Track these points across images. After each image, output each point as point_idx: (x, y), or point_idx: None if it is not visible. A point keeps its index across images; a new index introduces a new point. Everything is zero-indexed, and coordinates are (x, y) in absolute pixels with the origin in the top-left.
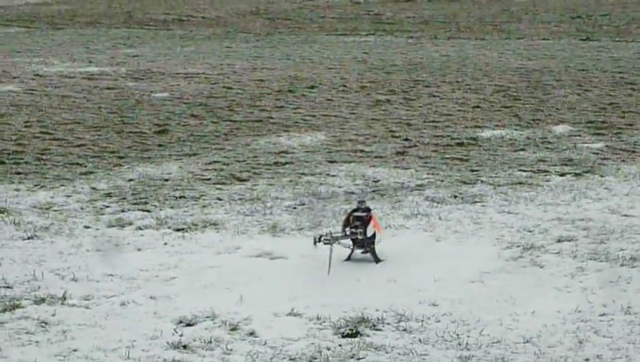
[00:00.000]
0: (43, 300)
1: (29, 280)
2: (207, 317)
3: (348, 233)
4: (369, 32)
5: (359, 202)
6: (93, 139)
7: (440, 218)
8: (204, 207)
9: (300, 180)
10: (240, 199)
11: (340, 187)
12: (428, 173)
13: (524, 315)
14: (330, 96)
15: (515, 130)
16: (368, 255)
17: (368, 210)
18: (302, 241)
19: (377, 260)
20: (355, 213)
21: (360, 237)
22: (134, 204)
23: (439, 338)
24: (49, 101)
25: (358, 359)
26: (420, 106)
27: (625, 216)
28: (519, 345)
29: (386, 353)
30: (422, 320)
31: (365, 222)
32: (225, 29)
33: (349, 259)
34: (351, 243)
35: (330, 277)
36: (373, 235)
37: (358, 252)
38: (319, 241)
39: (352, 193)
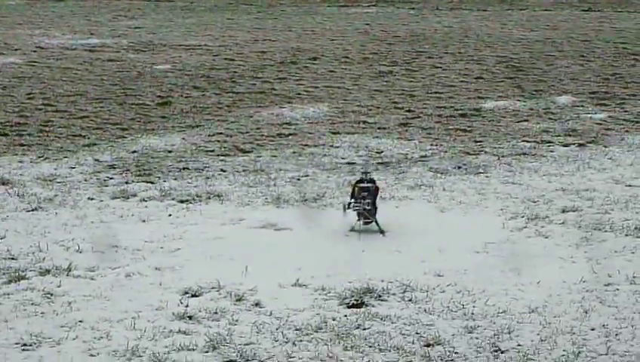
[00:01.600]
0: (48, 271)
1: (34, 251)
2: (213, 288)
3: (360, 203)
4: (371, 3)
5: (363, 173)
6: (95, 111)
7: (444, 189)
8: (207, 178)
9: (303, 151)
10: (244, 170)
11: (343, 158)
12: (431, 144)
13: (529, 285)
14: (333, 67)
15: (518, 100)
16: (371, 226)
17: (373, 181)
18: (306, 212)
19: (382, 231)
20: (361, 185)
21: (368, 207)
22: (138, 175)
23: (444, 309)
24: (51, 73)
25: (364, 329)
26: (423, 77)
27: (629, 186)
28: (525, 314)
29: (392, 323)
30: (427, 291)
31: (372, 192)
32: (226, 0)
33: (352, 229)
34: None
35: (335, 248)
36: (375, 206)
37: (359, 223)
38: (348, 208)
39: (356, 164)
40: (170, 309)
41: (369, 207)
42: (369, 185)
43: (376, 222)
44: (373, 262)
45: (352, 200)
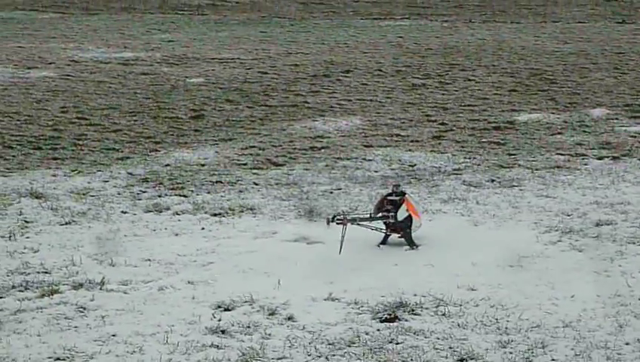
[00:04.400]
0: (81, 285)
1: (67, 265)
2: (246, 301)
3: (378, 216)
4: (404, 16)
5: (394, 186)
6: (129, 125)
7: (477, 202)
8: (240, 191)
9: (336, 165)
10: (276, 184)
11: (376, 171)
12: (465, 157)
13: (563, 299)
14: (366, 80)
15: (552, 113)
16: (403, 239)
17: (403, 194)
18: (338, 226)
19: (412, 245)
20: (390, 197)
21: (392, 221)
22: (171, 189)
23: (478, 323)
24: (85, 87)
25: (397, 343)
26: (456, 90)
27: None
28: (559, 329)
29: (425, 337)
30: (460, 305)
31: (397, 206)
32: (259, 13)
33: (384, 243)
34: (377, 225)
35: (368, 261)
36: (409, 220)
37: (395, 236)
38: (332, 221)
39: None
40: (203, 323)
41: (393, 221)
42: (397, 198)
43: (408, 235)
44: (407, 275)
45: (340, 214)
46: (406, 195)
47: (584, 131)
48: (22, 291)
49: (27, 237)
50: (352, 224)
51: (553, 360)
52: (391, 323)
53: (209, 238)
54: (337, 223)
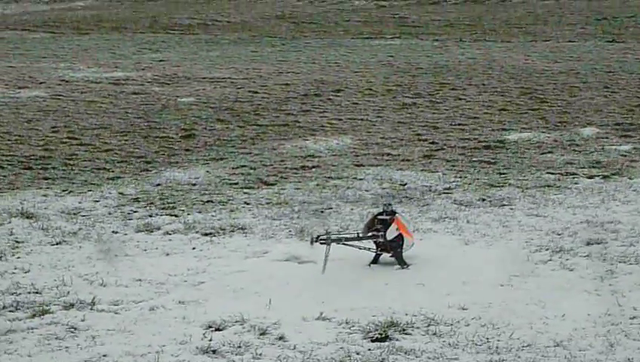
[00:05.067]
0: (72, 305)
1: (58, 285)
2: (237, 321)
3: (368, 235)
4: (394, 35)
5: (385, 205)
6: (120, 144)
7: (468, 221)
8: (231, 211)
9: (327, 184)
10: (267, 203)
11: (367, 190)
12: (455, 176)
13: (554, 318)
14: (356, 99)
15: (543, 132)
16: (394, 259)
17: (393, 213)
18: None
19: (403, 265)
20: (380, 216)
21: (381, 240)
22: (162, 208)
23: (469, 342)
24: (75, 106)
25: None
26: (447, 109)
27: None
28: (550, 348)
29: (416, 357)
30: (451, 324)
31: (387, 225)
32: (250, 33)
33: (375, 262)
34: (365, 245)
35: (359, 281)
36: (399, 239)
37: (386, 256)
38: (316, 241)
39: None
40: (194, 343)
41: (382, 240)
42: (387, 217)
43: (398, 255)
44: (397, 295)
45: (324, 234)
46: (397, 214)
47: (574, 150)
48: (12, 311)
49: (18, 258)
50: (337, 244)
51: None
52: (382, 343)
53: (200, 258)
54: (321, 243)
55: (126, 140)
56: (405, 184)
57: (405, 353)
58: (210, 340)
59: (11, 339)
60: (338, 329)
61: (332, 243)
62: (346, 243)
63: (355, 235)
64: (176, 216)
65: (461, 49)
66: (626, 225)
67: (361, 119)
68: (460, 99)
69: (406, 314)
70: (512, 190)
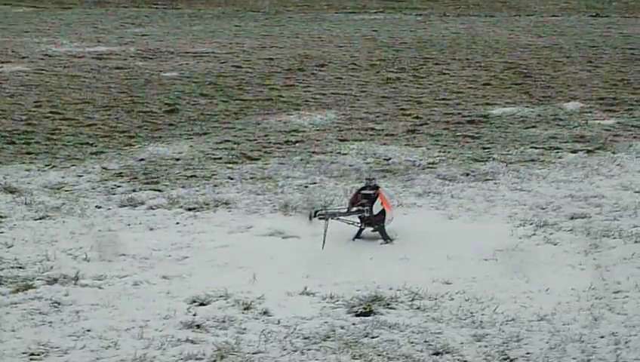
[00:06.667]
0: (55, 280)
1: (42, 260)
2: (221, 296)
3: (354, 210)
4: (378, 10)
5: (368, 180)
6: (103, 119)
7: (452, 196)
8: (215, 186)
9: (310, 159)
10: (251, 178)
11: (350, 165)
12: (439, 151)
13: (538, 293)
14: (340, 74)
15: (526, 107)
16: (377, 233)
17: (376, 187)
18: (319, 221)
19: (386, 239)
20: (363, 191)
21: (366, 214)
22: (145, 183)
23: (453, 317)
24: (58, 81)
25: (372, 337)
26: (430, 84)
27: (637, 192)
28: (534, 322)
29: (400, 331)
30: (435, 299)
31: (373, 199)
32: (233, 7)
33: (358, 236)
34: (355, 219)
35: (343, 255)
36: (382, 213)
37: (369, 230)
38: (314, 216)
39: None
40: (178, 318)
41: (368, 214)
42: (371, 192)
43: (382, 229)
44: (381, 269)
45: (323, 209)
46: (379, 189)
47: (558, 125)
48: None
49: (1, 232)
50: (333, 219)
51: (528, 353)
52: (366, 317)
53: (184, 233)
54: (320, 218)
55: (109, 115)
56: (389, 159)
57: (389, 327)
58: (195, 315)
59: None
60: (322, 304)
61: (330, 219)
62: (340, 218)
63: (346, 210)
64: (159, 190)
65: (445, 23)
66: (610, 200)
67: (345, 94)
68: (444, 73)
69: (390, 289)
70: (495, 164)
